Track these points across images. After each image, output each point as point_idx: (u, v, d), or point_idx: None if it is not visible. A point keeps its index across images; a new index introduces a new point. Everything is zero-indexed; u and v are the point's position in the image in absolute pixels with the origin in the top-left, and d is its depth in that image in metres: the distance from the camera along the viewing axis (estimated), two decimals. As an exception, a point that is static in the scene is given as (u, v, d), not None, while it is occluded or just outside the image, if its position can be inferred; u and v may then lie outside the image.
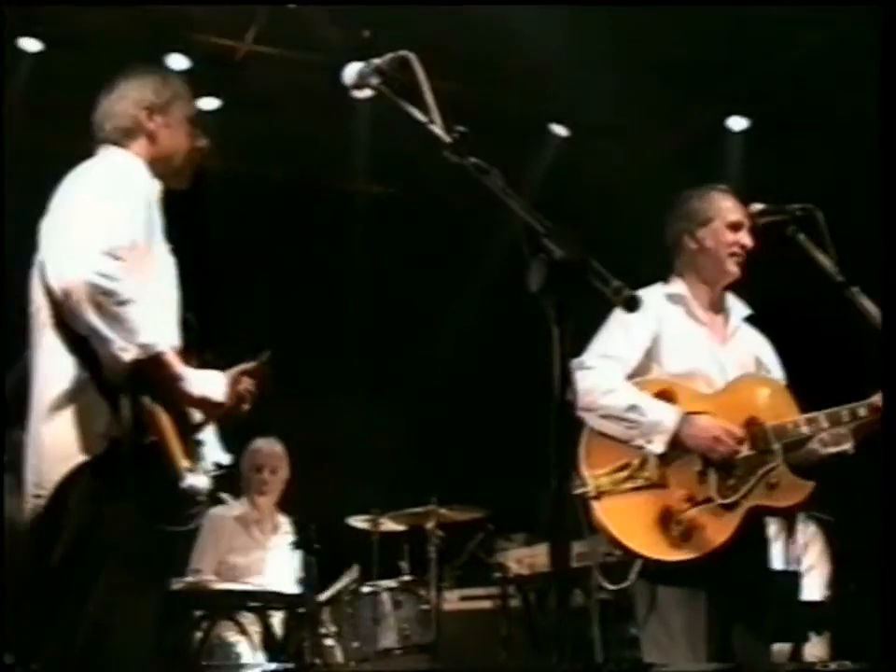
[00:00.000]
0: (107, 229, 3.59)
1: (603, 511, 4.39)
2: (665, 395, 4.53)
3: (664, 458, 4.42)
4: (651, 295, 4.68)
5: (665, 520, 4.37)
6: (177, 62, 7.62)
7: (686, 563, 4.31)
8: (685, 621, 4.35)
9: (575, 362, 4.43)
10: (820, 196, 4.49)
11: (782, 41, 7.22)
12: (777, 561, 5.53)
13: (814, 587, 6.83)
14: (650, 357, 4.62)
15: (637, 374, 4.59)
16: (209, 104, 7.88)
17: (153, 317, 3.65)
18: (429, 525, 7.11)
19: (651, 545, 4.36)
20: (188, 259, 4.02)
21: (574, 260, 2.72)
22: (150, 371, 3.56)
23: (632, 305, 2.75)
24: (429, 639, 6.68)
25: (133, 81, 4.10)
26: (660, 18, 7.06)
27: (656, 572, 4.39)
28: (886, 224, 4.02)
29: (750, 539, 4.42)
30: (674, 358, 4.62)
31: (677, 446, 4.41)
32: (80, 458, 3.55)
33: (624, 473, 4.43)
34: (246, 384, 3.96)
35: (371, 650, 6.59)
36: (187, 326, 3.94)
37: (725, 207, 4.72)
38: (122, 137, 4.03)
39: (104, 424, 3.56)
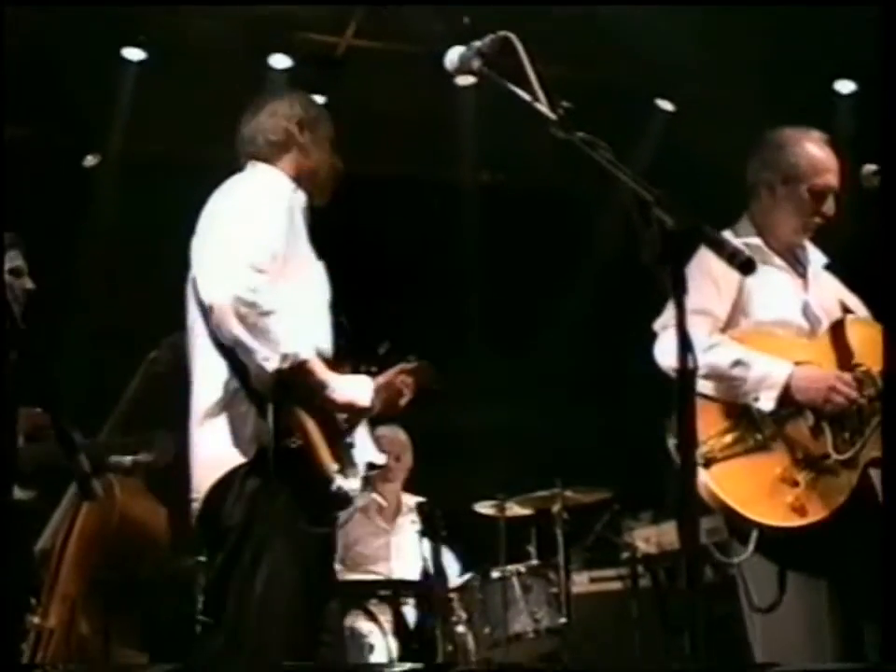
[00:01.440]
0: (251, 244, 3.75)
1: (713, 479, 4.07)
2: (765, 345, 4.25)
3: (773, 416, 4.14)
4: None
5: (782, 483, 4.07)
6: (280, 61, 7.71)
7: (809, 527, 4.02)
8: (807, 611, 4.09)
9: (660, 322, 4.31)
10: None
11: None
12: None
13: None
14: (737, 307, 4.35)
15: (729, 326, 4.34)
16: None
17: (299, 325, 3.80)
18: (555, 508, 7.10)
19: (769, 511, 4.04)
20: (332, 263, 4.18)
21: (687, 227, 2.69)
22: (295, 379, 3.70)
23: (748, 269, 2.73)
24: (560, 623, 6.68)
25: (282, 99, 4.37)
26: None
27: (776, 545, 4.09)
28: (886, 225, 3.95)
29: (868, 507, 4.06)
30: (761, 307, 4.36)
31: (786, 401, 4.13)
32: (232, 464, 3.72)
33: (733, 436, 4.14)
34: (405, 382, 4.11)
35: (502, 635, 6.60)
36: (341, 329, 4.06)
37: (817, 168, 4.44)
38: (274, 152, 4.20)
39: (252, 430, 3.72)
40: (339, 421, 3.84)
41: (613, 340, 8.74)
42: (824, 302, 4.50)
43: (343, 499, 3.75)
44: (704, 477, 4.09)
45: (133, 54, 7.61)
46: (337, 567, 6.71)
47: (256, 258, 3.70)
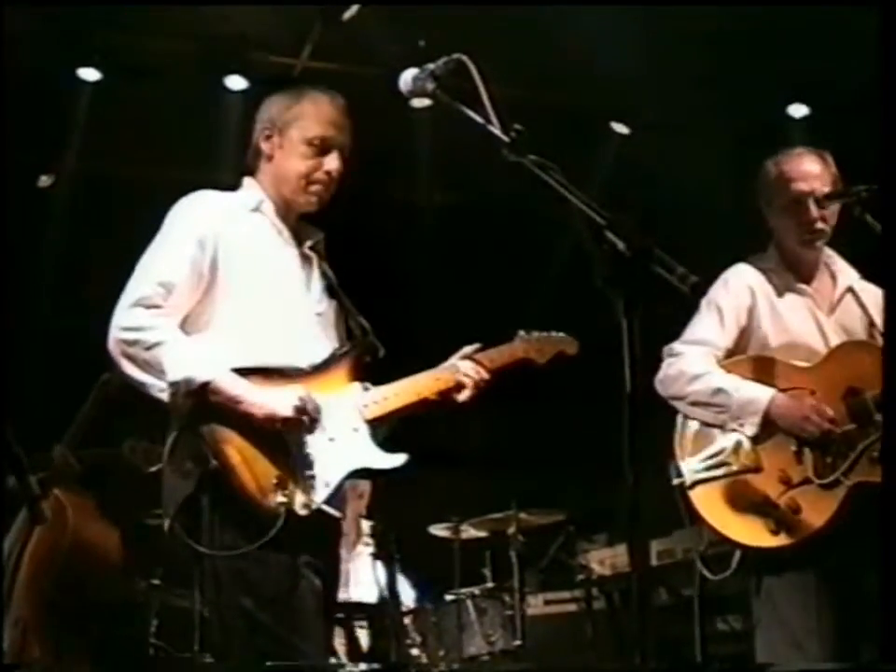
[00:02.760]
0: (140, 278, 3.81)
1: (698, 501, 4.27)
2: (762, 371, 4.38)
3: (757, 441, 4.27)
4: (742, 270, 4.58)
5: (763, 505, 4.20)
6: (236, 82, 7.69)
7: (787, 549, 4.15)
8: (800, 609, 4.19)
9: (665, 350, 4.48)
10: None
11: (840, 27, 7.15)
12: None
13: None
14: (747, 332, 4.47)
15: (737, 352, 4.45)
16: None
17: (215, 344, 3.78)
18: (510, 530, 7.10)
19: (749, 533, 4.20)
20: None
21: (637, 250, 2.71)
22: (207, 400, 3.65)
23: (698, 291, 2.73)
24: (515, 645, 6.68)
25: (267, 101, 4.14)
26: (719, 10, 7.03)
27: (759, 561, 4.26)
28: (886, 226, 3.98)
29: (859, 522, 4.09)
30: (772, 331, 4.46)
31: (769, 427, 4.26)
32: (185, 492, 3.65)
33: (718, 459, 4.29)
34: (472, 371, 4.07)
35: (456, 658, 6.60)
36: (362, 331, 4.04)
37: (784, 181, 4.51)
38: (255, 163, 4.09)
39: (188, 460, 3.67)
40: (283, 435, 3.71)
41: (569, 359, 8.73)
42: (850, 324, 4.54)
43: (269, 517, 3.57)
44: (690, 498, 4.29)
45: (89, 74, 7.56)
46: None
47: (140, 292, 3.75)
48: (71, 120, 7.80)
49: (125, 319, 3.71)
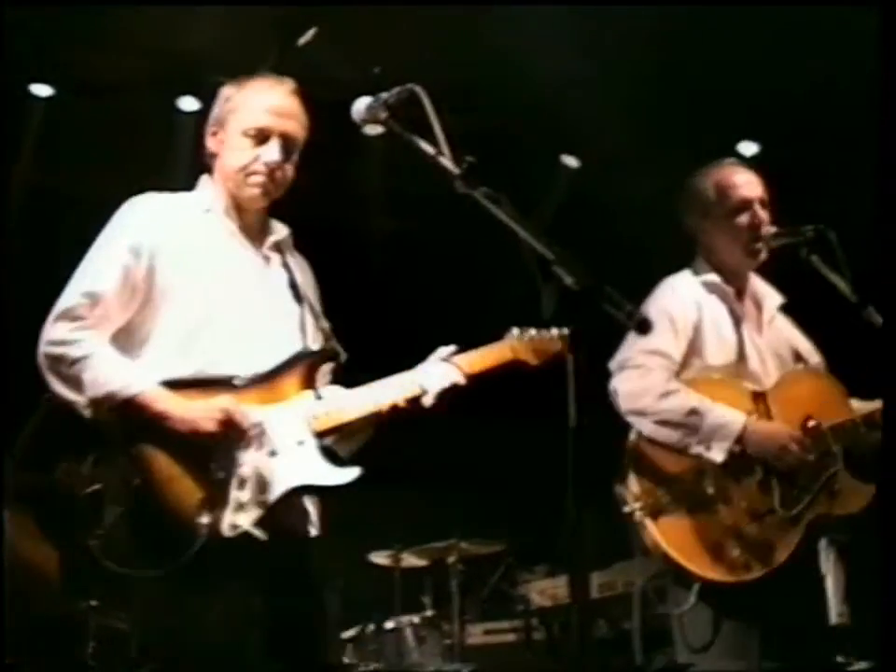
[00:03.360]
0: (68, 291, 3.68)
1: (659, 531, 4.09)
2: (712, 392, 4.23)
3: (722, 468, 4.12)
4: (686, 282, 4.49)
5: (726, 537, 4.07)
6: (189, 104, 7.67)
7: (750, 582, 4.04)
8: (739, 653, 4.07)
9: (617, 360, 4.31)
10: (833, 217, 4.34)
11: (792, 67, 7.22)
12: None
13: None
14: (691, 348, 4.33)
15: (682, 369, 4.31)
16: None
17: (156, 356, 3.65)
18: (451, 559, 7.09)
19: (712, 566, 4.06)
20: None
21: (584, 286, 2.71)
22: (133, 416, 3.52)
23: (644, 328, 2.74)
24: (454, 673, 6.67)
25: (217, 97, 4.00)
26: (669, 47, 7.07)
27: (717, 596, 4.08)
28: (881, 227, 3.93)
29: (807, 564, 4.08)
30: (714, 351, 4.35)
31: (736, 454, 4.12)
32: (106, 514, 3.50)
33: (680, 487, 4.13)
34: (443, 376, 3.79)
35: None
36: (323, 334, 3.87)
37: (724, 188, 4.47)
38: (208, 162, 3.94)
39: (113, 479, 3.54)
40: (214, 451, 3.53)
41: (513, 389, 8.73)
42: (779, 347, 4.51)
43: (189, 536, 3.41)
44: (650, 528, 4.12)
45: (42, 90, 7.52)
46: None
47: (65, 304, 3.65)
48: (23, 135, 7.74)
49: (50, 333, 3.61)
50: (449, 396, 3.77)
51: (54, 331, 3.61)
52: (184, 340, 3.66)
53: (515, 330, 3.98)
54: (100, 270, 3.69)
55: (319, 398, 3.72)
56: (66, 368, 3.55)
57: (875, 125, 4.05)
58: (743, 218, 4.43)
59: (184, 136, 7.55)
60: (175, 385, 3.58)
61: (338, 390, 3.82)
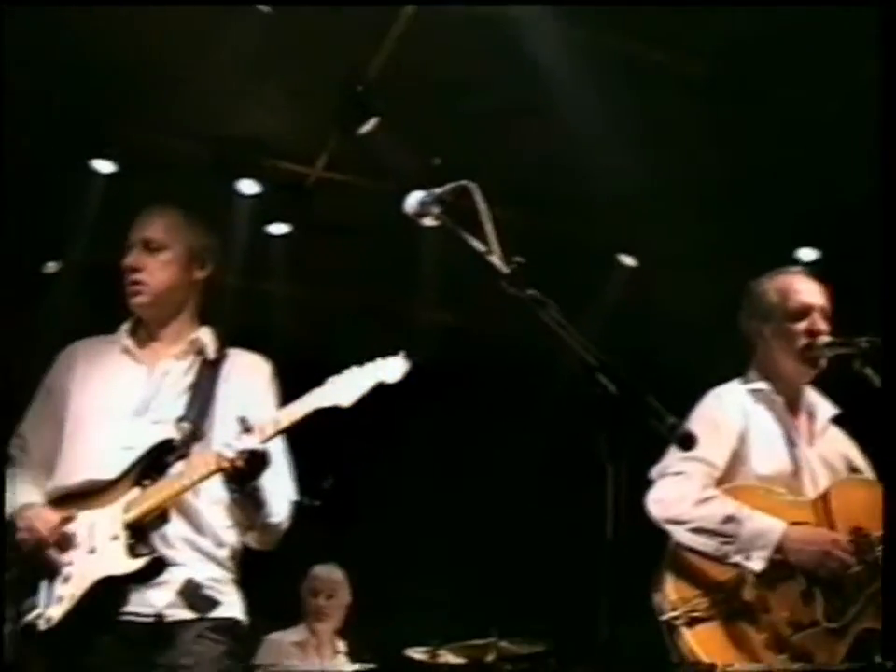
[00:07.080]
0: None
1: (697, 641, 3.98)
2: (755, 502, 4.14)
3: (763, 577, 4.02)
4: (735, 391, 4.43)
5: (766, 649, 3.94)
6: (248, 186, 7.70)
7: None
8: None
9: (657, 469, 4.24)
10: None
11: (852, 175, 7.18)
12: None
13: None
14: (736, 457, 4.25)
15: (724, 478, 4.23)
16: (278, 229, 8.05)
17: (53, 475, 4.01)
18: (489, 657, 6.98)
19: None
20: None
21: (629, 395, 2.66)
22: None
23: (687, 443, 2.68)
24: None
25: None
26: (732, 147, 7.05)
27: None
28: (886, 230, 3.96)
29: None
30: (762, 460, 4.27)
31: (777, 563, 4.01)
32: None
33: (719, 595, 4.01)
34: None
35: None
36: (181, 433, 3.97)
37: (786, 293, 4.45)
38: None
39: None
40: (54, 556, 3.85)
41: (557, 492, 8.69)
42: (831, 459, 4.42)
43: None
44: (687, 637, 4.01)
45: (104, 166, 7.57)
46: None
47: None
48: (82, 210, 7.79)
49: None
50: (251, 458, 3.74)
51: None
52: (65, 458, 4.02)
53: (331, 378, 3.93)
54: (35, 404, 4.28)
55: (143, 488, 3.89)
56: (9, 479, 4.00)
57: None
58: (802, 324, 4.40)
59: (241, 218, 7.59)
60: (57, 500, 3.96)
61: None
